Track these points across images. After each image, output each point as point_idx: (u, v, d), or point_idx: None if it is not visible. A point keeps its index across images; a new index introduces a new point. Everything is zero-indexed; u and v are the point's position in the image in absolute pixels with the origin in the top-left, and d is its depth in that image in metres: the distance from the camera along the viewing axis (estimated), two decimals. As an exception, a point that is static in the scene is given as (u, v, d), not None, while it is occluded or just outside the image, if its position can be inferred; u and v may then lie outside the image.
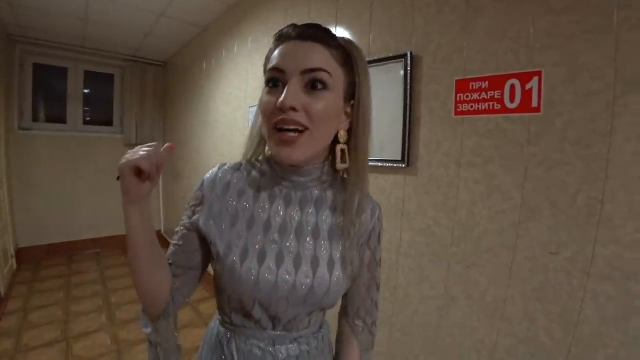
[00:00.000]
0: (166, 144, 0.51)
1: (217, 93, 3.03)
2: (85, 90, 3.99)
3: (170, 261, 0.61)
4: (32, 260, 3.56)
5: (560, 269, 0.99)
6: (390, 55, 1.43)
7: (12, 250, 3.22)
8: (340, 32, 1.69)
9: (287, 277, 0.56)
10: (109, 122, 4.19)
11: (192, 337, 2.23)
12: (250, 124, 2.56)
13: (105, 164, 3.99)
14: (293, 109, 0.51)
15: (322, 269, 0.58)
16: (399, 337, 1.45)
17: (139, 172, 0.48)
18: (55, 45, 3.61)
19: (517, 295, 1.08)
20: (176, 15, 2.89)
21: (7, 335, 2.17)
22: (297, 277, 0.56)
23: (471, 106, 1.18)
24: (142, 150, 0.49)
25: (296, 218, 0.60)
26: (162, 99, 4.42)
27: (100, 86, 4.11)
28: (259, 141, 0.63)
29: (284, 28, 0.56)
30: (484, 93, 1.15)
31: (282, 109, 0.51)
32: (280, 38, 0.56)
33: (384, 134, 1.45)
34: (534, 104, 1.03)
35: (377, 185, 1.50)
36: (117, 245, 4.08)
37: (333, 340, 0.72)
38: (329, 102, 0.54)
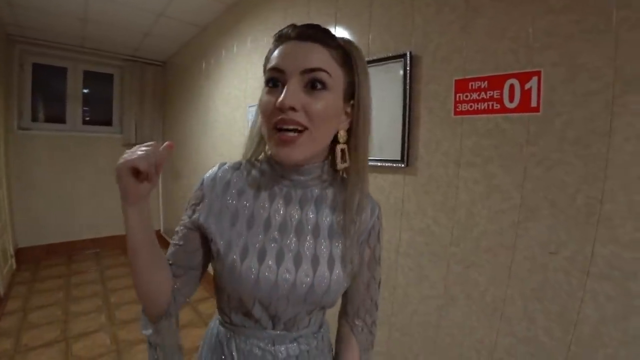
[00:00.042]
0: (165, 143, 0.51)
1: (216, 93, 3.03)
2: (85, 90, 3.99)
3: (170, 262, 0.61)
4: (32, 260, 3.55)
5: (559, 269, 0.99)
6: (390, 55, 1.43)
7: (11, 251, 3.22)
8: (339, 32, 1.69)
9: (287, 275, 0.56)
10: (108, 122, 4.18)
11: (192, 337, 2.23)
12: (249, 124, 2.56)
13: (104, 164, 3.98)
14: (292, 109, 0.51)
15: (323, 267, 0.58)
16: (399, 336, 1.45)
17: (136, 172, 0.48)
18: (55, 45, 3.60)
19: (517, 295, 1.08)
20: (175, 15, 2.88)
21: (7, 335, 2.17)
22: (298, 275, 0.56)
23: (471, 106, 1.18)
24: (140, 151, 0.48)
25: (296, 217, 0.60)
26: (161, 99, 4.42)
27: (99, 86, 4.11)
28: (259, 141, 0.63)
29: (283, 28, 0.56)
30: (483, 93, 1.15)
31: (281, 109, 0.51)
32: (280, 38, 0.56)
33: (383, 134, 1.45)
34: (534, 104, 1.03)
35: (377, 185, 1.50)
36: (117, 245, 4.08)
37: (333, 341, 0.72)
38: (329, 102, 0.54)
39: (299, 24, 0.56)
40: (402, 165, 1.39)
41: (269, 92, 0.55)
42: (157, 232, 4.46)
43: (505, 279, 1.11)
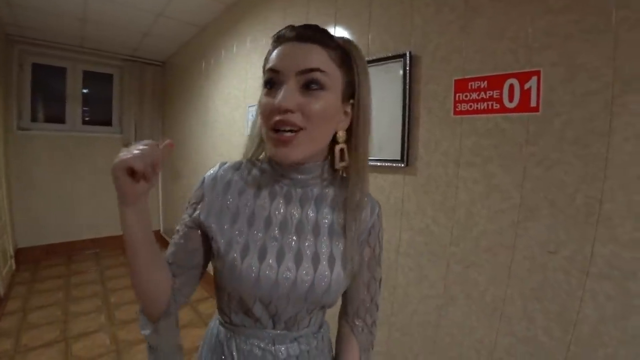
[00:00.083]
0: (166, 142, 0.50)
1: (216, 93, 3.02)
2: (84, 90, 3.98)
3: (170, 261, 0.61)
4: (32, 260, 3.55)
5: (559, 269, 0.99)
6: (389, 55, 1.43)
7: (11, 251, 3.21)
8: (339, 32, 1.69)
9: (288, 274, 0.56)
10: (108, 122, 4.18)
11: (191, 337, 2.23)
12: (249, 123, 2.57)
13: (104, 164, 3.98)
14: (289, 110, 0.52)
15: (323, 266, 0.58)
16: (398, 336, 1.46)
17: (132, 172, 0.46)
18: (54, 45, 3.60)
19: (516, 294, 1.09)
20: (175, 15, 2.88)
21: (7, 335, 2.17)
22: (298, 274, 0.56)
23: (470, 106, 1.19)
24: (136, 150, 0.47)
25: (297, 215, 0.60)
26: (161, 99, 4.42)
27: (99, 86, 4.11)
28: (259, 142, 0.63)
29: (281, 30, 0.57)
30: (482, 93, 1.15)
31: (278, 111, 0.52)
32: (278, 40, 0.57)
33: (383, 134, 1.45)
34: (533, 103, 1.03)
35: (377, 185, 1.50)
36: (117, 245, 4.07)
37: (333, 341, 0.72)
38: (326, 102, 0.54)
39: (297, 24, 0.56)
40: (402, 165, 1.39)
41: (267, 94, 0.55)
42: (157, 232, 4.46)
43: (504, 279, 1.11)
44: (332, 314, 0.69)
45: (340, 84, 0.56)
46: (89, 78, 4.00)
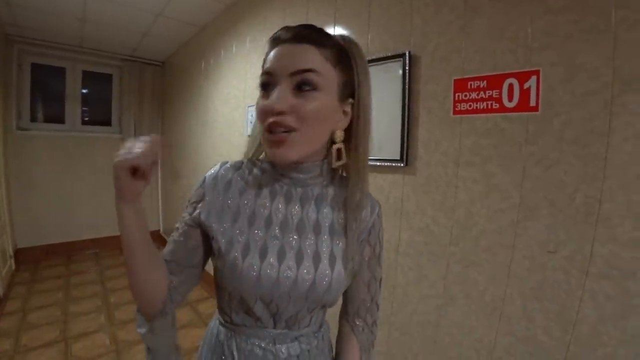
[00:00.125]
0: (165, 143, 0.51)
1: (215, 93, 3.02)
2: (84, 91, 3.98)
3: (168, 258, 0.61)
4: (31, 260, 3.55)
5: (558, 268, 0.99)
6: (389, 55, 1.43)
7: (11, 251, 3.21)
8: (338, 32, 1.69)
9: (289, 272, 0.56)
10: (107, 122, 4.18)
11: (191, 337, 2.23)
12: (249, 123, 2.57)
13: (104, 164, 3.98)
14: (282, 112, 0.52)
15: (324, 265, 0.58)
16: (398, 336, 1.46)
17: (134, 170, 0.47)
18: (53, 45, 3.60)
19: (516, 294, 1.09)
20: (174, 15, 2.88)
21: (7, 335, 2.17)
22: (299, 272, 0.56)
23: (470, 106, 1.19)
24: (137, 148, 0.47)
25: (297, 214, 0.60)
26: (160, 99, 4.42)
27: (98, 86, 4.10)
28: (259, 142, 0.64)
29: (277, 31, 0.57)
30: (482, 92, 1.15)
31: (272, 113, 0.52)
32: (274, 41, 0.57)
33: (382, 134, 1.45)
34: (532, 103, 1.03)
35: (376, 185, 1.50)
36: (117, 245, 4.06)
37: (333, 341, 0.72)
38: (320, 102, 0.54)
39: (294, 25, 0.56)
40: (402, 165, 1.39)
41: (263, 96, 0.56)
42: (157, 232, 4.46)
43: (504, 278, 1.11)
44: (332, 314, 0.70)
45: (335, 84, 0.56)
46: (89, 78, 3.99)
